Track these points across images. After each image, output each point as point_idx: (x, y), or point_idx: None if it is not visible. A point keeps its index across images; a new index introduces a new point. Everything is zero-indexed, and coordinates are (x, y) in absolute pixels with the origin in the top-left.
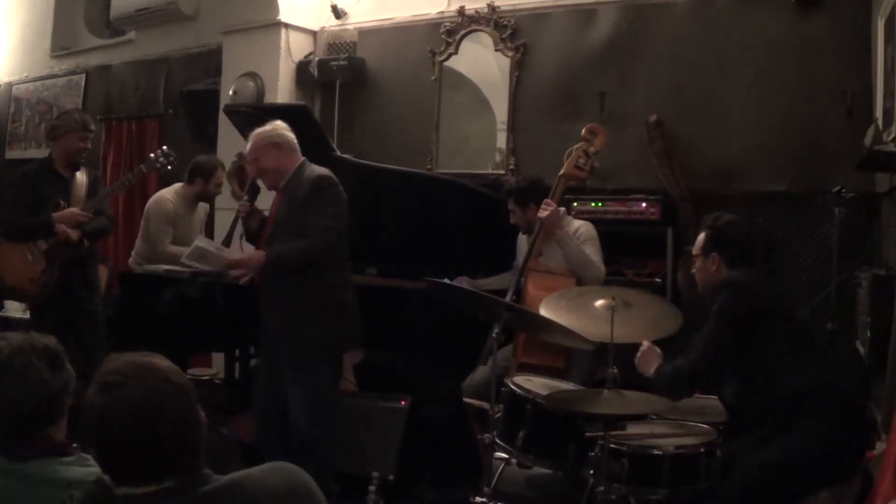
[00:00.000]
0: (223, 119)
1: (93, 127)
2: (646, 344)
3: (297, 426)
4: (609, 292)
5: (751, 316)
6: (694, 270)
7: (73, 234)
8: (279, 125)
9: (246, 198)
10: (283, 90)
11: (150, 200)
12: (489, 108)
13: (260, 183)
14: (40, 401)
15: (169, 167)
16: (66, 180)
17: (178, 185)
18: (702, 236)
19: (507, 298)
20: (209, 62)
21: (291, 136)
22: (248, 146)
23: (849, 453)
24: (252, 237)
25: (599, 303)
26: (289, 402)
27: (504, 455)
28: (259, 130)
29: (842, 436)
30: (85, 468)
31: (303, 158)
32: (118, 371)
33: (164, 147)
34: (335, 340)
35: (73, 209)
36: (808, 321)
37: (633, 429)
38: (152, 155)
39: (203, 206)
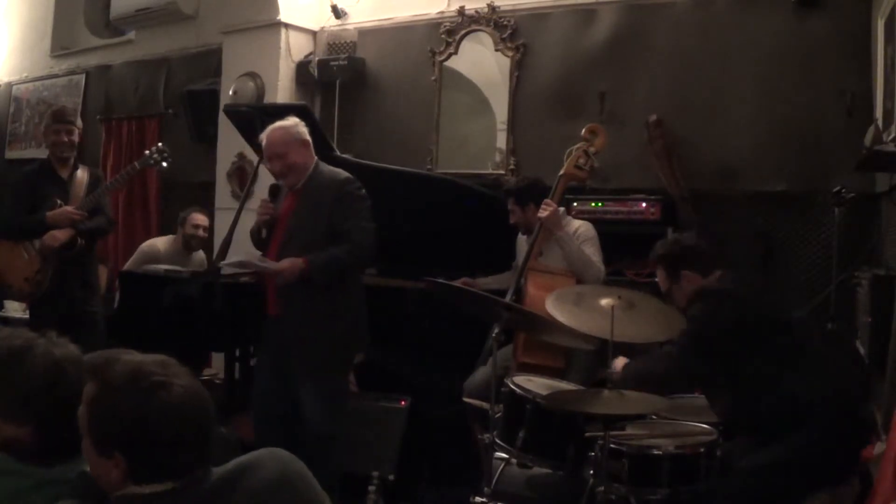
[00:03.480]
0: (223, 119)
1: (67, 118)
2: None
3: (310, 427)
4: (615, 292)
5: (730, 328)
6: (673, 303)
7: (62, 236)
8: (299, 122)
9: (268, 198)
10: (283, 90)
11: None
12: (489, 108)
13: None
14: None
15: (164, 164)
16: (64, 180)
17: (170, 236)
18: (660, 271)
19: (507, 298)
20: (209, 62)
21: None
22: (272, 140)
23: (844, 455)
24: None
25: (605, 301)
26: (302, 403)
27: (504, 455)
28: (283, 125)
29: (837, 439)
30: None
31: (316, 158)
32: (162, 363)
33: (160, 143)
34: (352, 342)
35: (66, 208)
36: (803, 325)
37: (632, 429)
38: (147, 152)
39: (199, 256)
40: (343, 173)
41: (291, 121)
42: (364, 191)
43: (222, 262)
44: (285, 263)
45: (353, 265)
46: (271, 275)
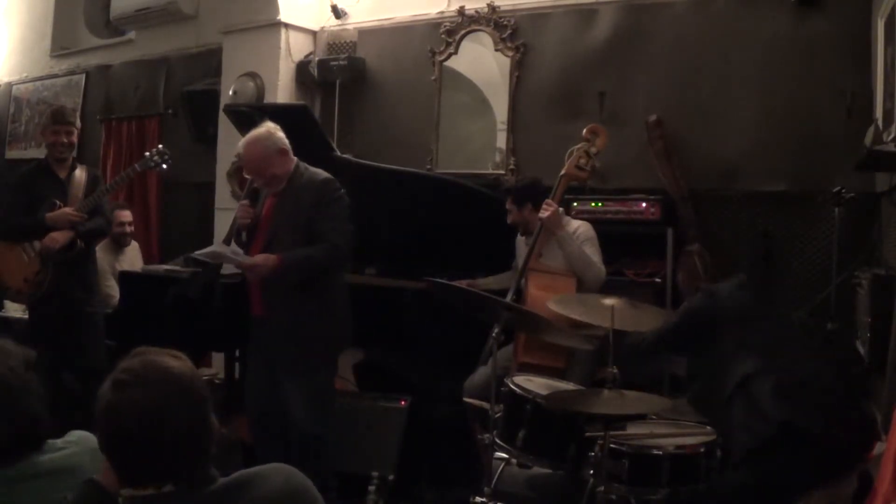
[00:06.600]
0: (223, 119)
1: (66, 119)
2: None
3: (299, 425)
4: (616, 297)
5: (709, 320)
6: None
7: (62, 238)
8: (273, 127)
9: (247, 202)
10: (283, 90)
11: None
12: (489, 108)
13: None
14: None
15: (164, 165)
16: (62, 180)
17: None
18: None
19: (508, 298)
20: (209, 62)
21: (285, 137)
22: (251, 153)
23: (842, 453)
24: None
25: (608, 301)
26: (290, 401)
27: (504, 455)
28: (259, 136)
29: (835, 436)
30: (58, 452)
31: (295, 159)
32: (132, 369)
33: (160, 146)
34: (338, 341)
35: (66, 209)
36: (788, 327)
37: (633, 429)
38: (147, 154)
39: (132, 247)
40: (322, 174)
41: (264, 129)
42: (343, 191)
43: (195, 252)
44: (259, 259)
45: (328, 266)
46: (245, 268)
